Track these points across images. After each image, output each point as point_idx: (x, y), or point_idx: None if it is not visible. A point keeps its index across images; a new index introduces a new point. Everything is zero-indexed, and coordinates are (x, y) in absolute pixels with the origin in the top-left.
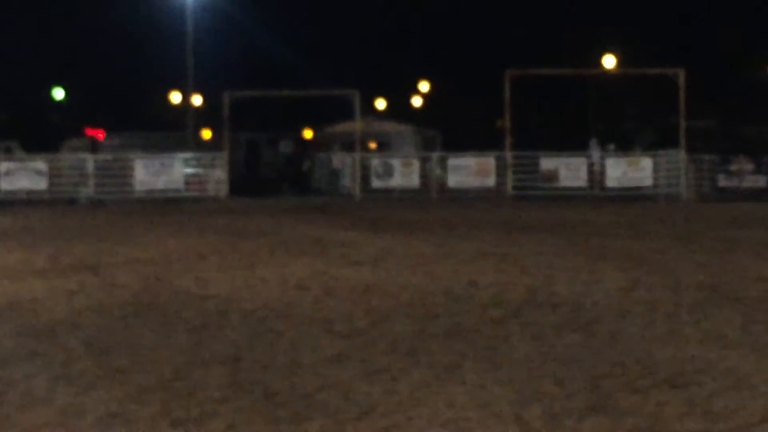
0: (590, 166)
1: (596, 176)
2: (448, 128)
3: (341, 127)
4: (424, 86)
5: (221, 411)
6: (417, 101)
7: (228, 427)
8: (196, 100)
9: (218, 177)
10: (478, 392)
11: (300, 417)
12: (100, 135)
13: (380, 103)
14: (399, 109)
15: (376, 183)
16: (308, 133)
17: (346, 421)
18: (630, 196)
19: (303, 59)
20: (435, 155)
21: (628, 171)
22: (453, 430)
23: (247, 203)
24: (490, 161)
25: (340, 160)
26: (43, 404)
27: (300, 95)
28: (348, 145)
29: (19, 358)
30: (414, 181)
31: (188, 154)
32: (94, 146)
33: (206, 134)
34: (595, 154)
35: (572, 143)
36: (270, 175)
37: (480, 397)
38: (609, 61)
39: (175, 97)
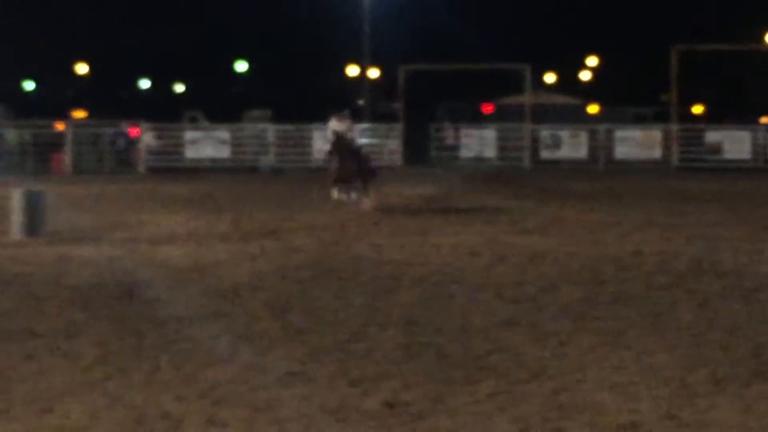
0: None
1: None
2: (615, 101)
3: (511, 100)
4: (592, 61)
5: (396, 371)
6: (585, 75)
7: (403, 386)
8: (373, 73)
9: (392, 148)
10: (644, 357)
11: (472, 379)
12: (488, 108)
13: (549, 77)
14: (568, 83)
15: (544, 154)
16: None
17: (516, 383)
18: None
19: (477, 33)
20: (602, 127)
21: None
22: (620, 394)
23: (420, 172)
24: (656, 134)
25: (452, 135)
26: (227, 362)
27: (473, 68)
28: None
29: (204, 318)
30: (582, 152)
31: (365, 125)
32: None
33: (592, 108)
34: None
35: (736, 117)
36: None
37: (646, 362)
38: None
39: (352, 71)
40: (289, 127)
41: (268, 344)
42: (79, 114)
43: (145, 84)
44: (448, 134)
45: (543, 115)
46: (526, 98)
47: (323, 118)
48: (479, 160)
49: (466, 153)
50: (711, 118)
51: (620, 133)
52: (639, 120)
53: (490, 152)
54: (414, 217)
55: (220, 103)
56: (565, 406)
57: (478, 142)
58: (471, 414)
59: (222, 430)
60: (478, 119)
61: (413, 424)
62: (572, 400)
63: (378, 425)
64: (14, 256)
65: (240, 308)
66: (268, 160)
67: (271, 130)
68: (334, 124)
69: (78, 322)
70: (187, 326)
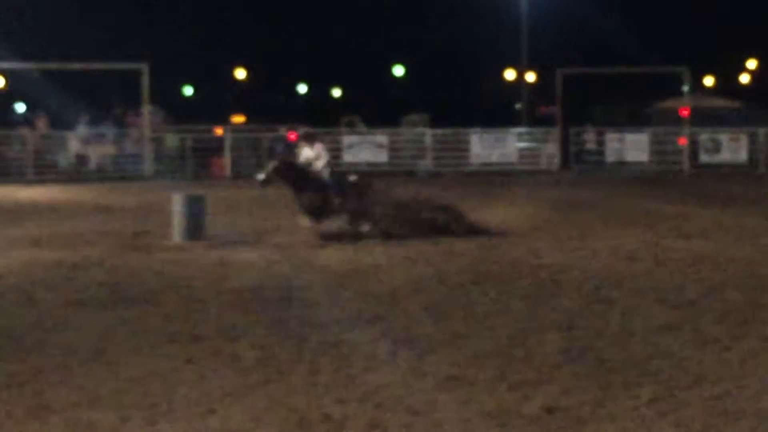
0: None
1: None
2: None
3: (669, 104)
4: (751, 64)
5: (556, 376)
6: (745, 78)
7: (562, 391)
8: (530, 77)
9: (550, 152)
10: None
11: (632, 384)
12: (685, 112)
13: (708, 80)
14: (727, 86)
15: (704, 158)
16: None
17: (677, 388)
18: None
19: (634, 35)
20: (762, 130)
21: None
22: None
23: (577, 177)
24: None
25: (593, 139)
26: (387, 366)
27: (630, 72)
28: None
29: (363, 321)
30: (742, 156)
31: (522, 129)
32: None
33: None
34: None
35: None
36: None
37: None
38: None
39: (509, 74)
40: (446, 131)
41: (427, 348)
42: (238, 119)
43: (302, 89)
44: (589, 138)
45: (702, 118)
46: (685, 102)
47: (481, 123)
48: (627, 164)
49: (612, 157)
50: None
51: None
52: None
53: (642, 156)
54: (572, 222)
55: (378, 107)
56: (728, 412)
57: (627, 147)
58: (632, 419)
59: None
60: (635, 122)
61: (573, 430)
62: (735, 406)
63: (538, 430)
64: (176, 259)
65: (399, 312)
66: (426, 164)
67: (428, 135)
68: (306, 151)
69: (239, 325)
70: (347, 330)
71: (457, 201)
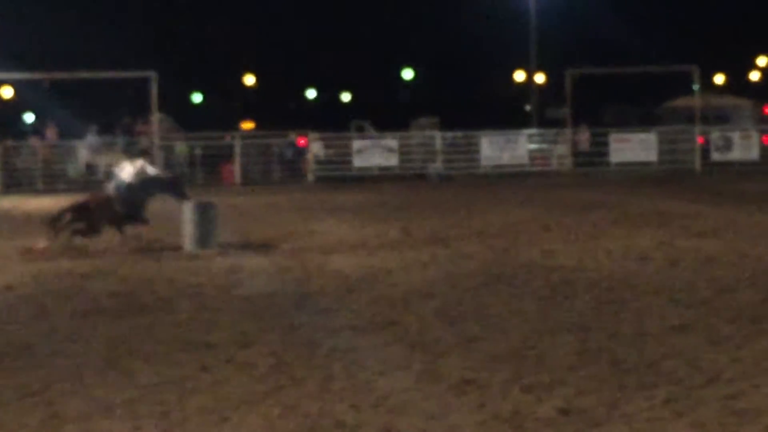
0: None
1: None
2: None
3: (680, 102)
4: (761, 61)
5: (570, 378)
6: (755, 76)
7: (577, 393)
8: (539, 78)
9: (561, 152)
10: None
11: (647, 384)
12: None
13: (718, 78)
14: (737, 84)
15: (715, 156)
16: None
17: (692, 388)
18: None
19: (643, 35)
20: None
21: None
22: None
23: (589, 177)
24: None
25: (586, 139)
26: (401, 370)
27: (640, 72)
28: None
29: (376, 326)
30: (753, 153)
31: (532, 131)
32: None
33: None
34: None
35: None
36: None
37: None
38: None
39: (518, 76)
40: (456, 134)
41: (440, 352)
42: (247, 125)
43: (311, 94)
44: (581, 139)
45: (712, 117)
46: (695, 100)
47: (491, 125)
48: (634, 164)
49: (617, 158)
50: None
51: None
52: None
53: (651, 156)
54: (584, 222)
55: (387, 111)
56: (743, 411)
57: (633, 147)
58: (647, 420)
59: None
60: (645, 122)
61: (589, 431)
62: (750, 405)
63: None
64: (187, 267)
65: (411, 316)
66: (436, 167)
67: (438, 138)
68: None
69: (251, 332)
70: (360, 335)
71: (465, 204)
